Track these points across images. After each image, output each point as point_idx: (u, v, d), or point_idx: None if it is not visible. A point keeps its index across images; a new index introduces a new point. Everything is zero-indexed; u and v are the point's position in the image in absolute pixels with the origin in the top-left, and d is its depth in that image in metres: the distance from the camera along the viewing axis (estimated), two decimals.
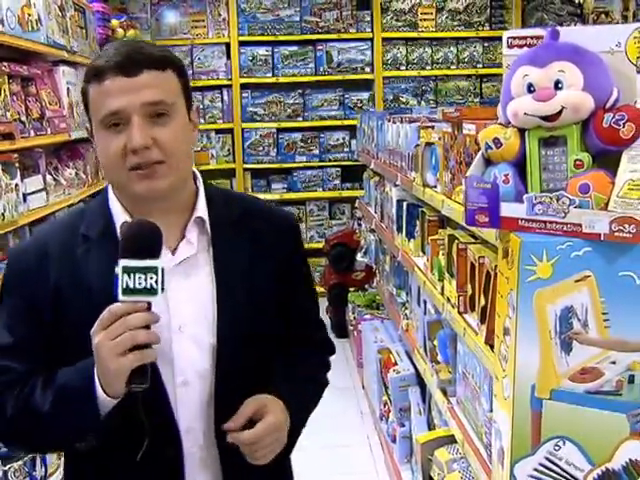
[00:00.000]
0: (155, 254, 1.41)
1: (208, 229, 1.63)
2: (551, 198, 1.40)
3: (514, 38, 1.57)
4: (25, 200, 3.63)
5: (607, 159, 1.42)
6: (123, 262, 1.38)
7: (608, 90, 1.41)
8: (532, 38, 1.55)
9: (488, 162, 1.55)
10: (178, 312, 1.47)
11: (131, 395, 1.44)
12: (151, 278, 1.38)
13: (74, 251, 1.59)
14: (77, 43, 4.78)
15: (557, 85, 1.42)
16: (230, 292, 1.61)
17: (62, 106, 4.40)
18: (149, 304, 1.41)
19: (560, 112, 1.41)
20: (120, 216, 1.61)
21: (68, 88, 4.55)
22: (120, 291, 1.38)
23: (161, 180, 1.53)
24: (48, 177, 4.09)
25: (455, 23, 7.21)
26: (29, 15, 3.76)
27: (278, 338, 1.71)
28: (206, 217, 1.64)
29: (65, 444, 1.62)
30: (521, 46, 1.56)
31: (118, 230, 1.59)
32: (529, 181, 1.47)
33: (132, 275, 1.38)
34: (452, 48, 7.24)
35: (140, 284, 1.38)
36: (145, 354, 1.40)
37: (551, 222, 1.41)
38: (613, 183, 1.37)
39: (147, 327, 1.41)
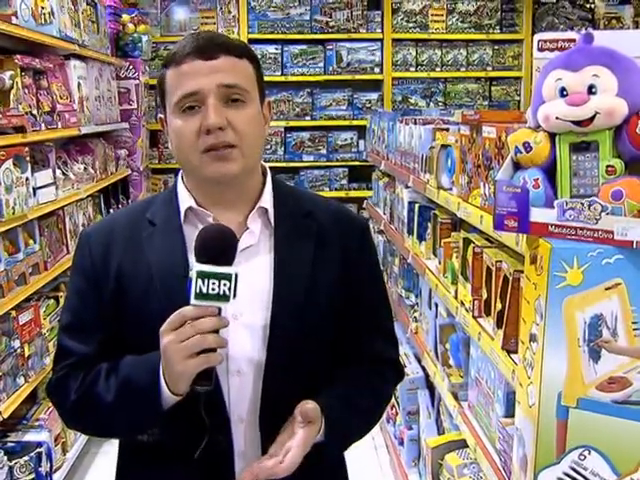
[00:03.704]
0: (230, 260, 1.41)
1: (271, 220, 1.64)
2: (583, 204, 1.38)
3: (545, 41, 1.55)
4: (35, 194, 3.62)
5: None
6: (198, 267, 1.39)
7: None
8: (563, 41, 1.53)
9: (517, 166, 1.53)
10: (234, 300, 1.46)
11: (194, 394, 1.46)
12: (224, 285, 1.38)
13: (139, 235, 1.63)
14: (88, 37, 4.76)
15: (591, 90, 1.40)
16: (287, 285, 1.60)
17: (73, 100, 4.38)
18: (219, 309, 1.41)
19: (593, 117, 1.39)
20: (185, 202, 1.63)
21: (79, 82, 4.53)
22: (193, 295, 1.39)
23: (233, 164, 1.55)
24: (57, 171, 4.07)
25: (465, 25, 7.18)
26: (42, 8, 3.75)
27: (335, 343, 1.68)
28: (270, 208, 1.64)
29: (127, 435, 1.67)
30: (552, 49, 1.53)
31: (182, 216, 1.62)
32: (559, 186, 1.45)
33: (206, 280, 1.38)
34: (462, 50, 7.20)
35: (213, 290, 1.38)
36: (212, 357, 1.42)
37: (582, 228, 1.38)
38: None
39: (216, 331, 1.42)
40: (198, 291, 1.39)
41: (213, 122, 1.51)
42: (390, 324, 1.84)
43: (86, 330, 1.63)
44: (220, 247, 1.43)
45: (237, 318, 1.55)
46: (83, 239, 1.69)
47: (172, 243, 1.60)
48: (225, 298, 1.39)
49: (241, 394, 1.59)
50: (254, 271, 1.59)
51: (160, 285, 1.57)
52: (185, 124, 1.54)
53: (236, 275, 1.40)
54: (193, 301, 1.40)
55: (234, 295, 1.40)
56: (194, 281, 1.39)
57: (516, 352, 2.05)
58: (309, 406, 1.54)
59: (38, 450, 3.45)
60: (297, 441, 1.52)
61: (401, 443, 3.81)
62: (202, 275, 1.38)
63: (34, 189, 3.60)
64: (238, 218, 1.63)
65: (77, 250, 1.69)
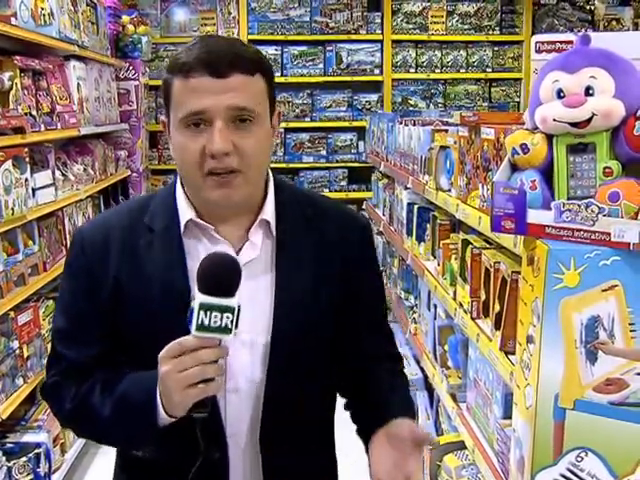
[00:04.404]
0: (233, 292, 1.37)
1: (273, 232, 1.60)
2: (580, 206, 1.38)
3: (543, 43, 1.55)
4: (34, 195, 3.62)
5: (637, 167, 1.39)
6: (201, 298, 1.35)
7: (639, 98, 1.39)
8: (561, 43, 1.53)
9: (514, 168, 1.53)
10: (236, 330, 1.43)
11: (190, 418, 1.44)
12: (227, 317, 1.35)
13: (136, 241, 1.58)
14: (88, 38, 4.77)
15: (588, 91, 1.40)
16: (289, 299, 1.57)
17: (72, 101, 4.39)
18: (220, 339, 1.38)
19: (590, 119, 1.39)
20: (186, 212, 1.59)
21: (78, 83, 4.53)
22: (194, 327, 1.35)
23: (236, 190, 1.50)
24: (57, 172, 4.07)
25: (465, 27, 7.18)
26: (42, 9, 3.75)
27: (338, 342, 1.67)
28: (272, 220, 1.61)
29: (122, 447, 1.66)
30: (550, 51, 1.54)
31: (182, 226, 1.58)
32: (556, 188, 1.45)
33: (208, 313, 1.34)
34: (462, 52, 7.20)
35: (215, 322, 1.35)
36: (210, 387, 1.40)
37: (579, 230, 1.38)
38: None
39: (215, 361, 1.39)
40: (200, 323, 1.35)
41: (218, 148, 1.45)
42: (386, 319, 1.86)
43: (81, 334, 1.59)
44: (223, 278, 1.38)
45: (236, 334, 1.47)
46: (77, 239, 1.64)
47: (172, 254, 1.56)
48: (227, 331, 1.36)
49: (238, 412, 1.58)
50: (255, 287, 1.56)
51: (160, 295, 1.54)
52: (189, 142, 1.48)
53: (239, 307, 1.36)
54: (194, 332, 1.36)
55: (236, 326, 1.37)
56: (196, 312, 1.35)
57: (514, 353, 2.04)
58: (423, 432, 1.53)
59: (37, 451, 3.45)
60: (414, 467, 1.49)
61: None
62: (204, 307, 1.34)
63: (33, 190, 3.60)
64: (239, 230, 1.59)
65: (71, 250, 1.65)
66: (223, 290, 1.36)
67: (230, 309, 1.35)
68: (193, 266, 1.52)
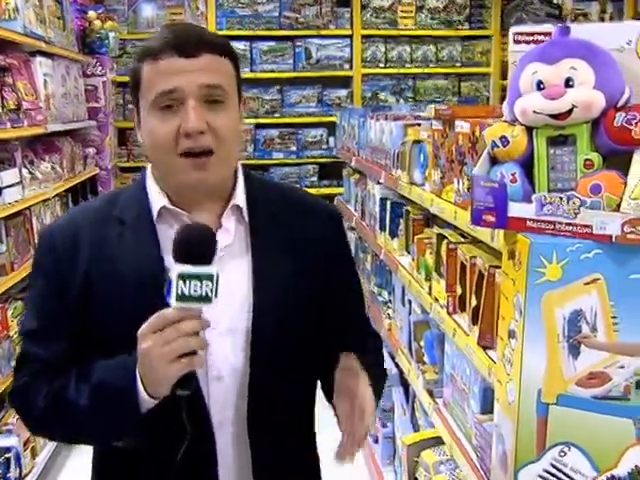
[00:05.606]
0: (210, 259, 1.35)
1: (246, 217, 1.60)
2: (561, 199, 1.36)
3: (521, 34, 1.53)
4: (0, 194, 3.55)
5: (617, 159, 1.38)
6: (179, 268, 1.33)
7: (620, 89, 1.38)
8: (539, 34, 1.51)
9: (493, 161, 1.51)
10: (216, 300, 1.40)
11: (174, 398, 1.41)
12: (207, 286, 1.33)
13: (107, 235, 1.56)
14: (54, 34, 4.69)
15: (568, 83, 1.39)
16: (268, 284, 1.56)
17: (39, 98, 4.31)
18: (200, 310, 1.36)
19: (570, 110, 1.37)
20: (157, 200, 1.57)
21: (45, 80, 4.46)
22: (174, 297, 1.33)
23: (212, 172, 1.49)
24: (24, 171, 4.00)
25: (435, 21, 7.20)
26: (6, 4, 3.68)
27: (319, 335, 1.64)
28: (244, 205, 1.60)
29: (102, 441, 1.59)
30: (528, 42, 1.52)
31: (154, 214, 1.56)
32: (536, 181, 1.44)
33: (187, 282, 1.32)
34: (431, 46, 7.22)
35: (195, 291, 1.32)
36: (194, 361, 1.37)
37: (560, 223, 1.37)
38: (625, 184, 1.34)
39: (196, 333, 1.37)
40: (180, 293, 1.32)
41: (193, 126, 1.44)
42: (362, 307, 1.86)
43: (51, 332, 1.56)
44: (200, 246, 1.37)
45: (216, 326, 1.46)
46: (45, 238, 1.61)
47: (145, 242, 1.54)
48: (207, 299, 1.34)
49: (223, 399, 1.56)
50: (231, 274, 1.54)
51: (134, 285, 1.51)
52: (162, 125, 1.47)
53: (217, 274, 1.34)
54: (174, 303, 1.34)
55: (216, 295, 1.35)
56: (174, 283, 1.32)
57: (492, 348, 2.04)
58: (351, 360, 1.52)
59: (6, 455, 3.40)
60: (362, 390, 1.51)
61: (376, 441, 3.79)
62: (183, 276, 1.32)
63: (0, 189, 3.53)
64: (212, 216, 1.58)
65: (39, 250, 1.62)
66: (201, 258, 1.34)
67: (209, 276, 1.33)
68: (166, 254, 1.50)
